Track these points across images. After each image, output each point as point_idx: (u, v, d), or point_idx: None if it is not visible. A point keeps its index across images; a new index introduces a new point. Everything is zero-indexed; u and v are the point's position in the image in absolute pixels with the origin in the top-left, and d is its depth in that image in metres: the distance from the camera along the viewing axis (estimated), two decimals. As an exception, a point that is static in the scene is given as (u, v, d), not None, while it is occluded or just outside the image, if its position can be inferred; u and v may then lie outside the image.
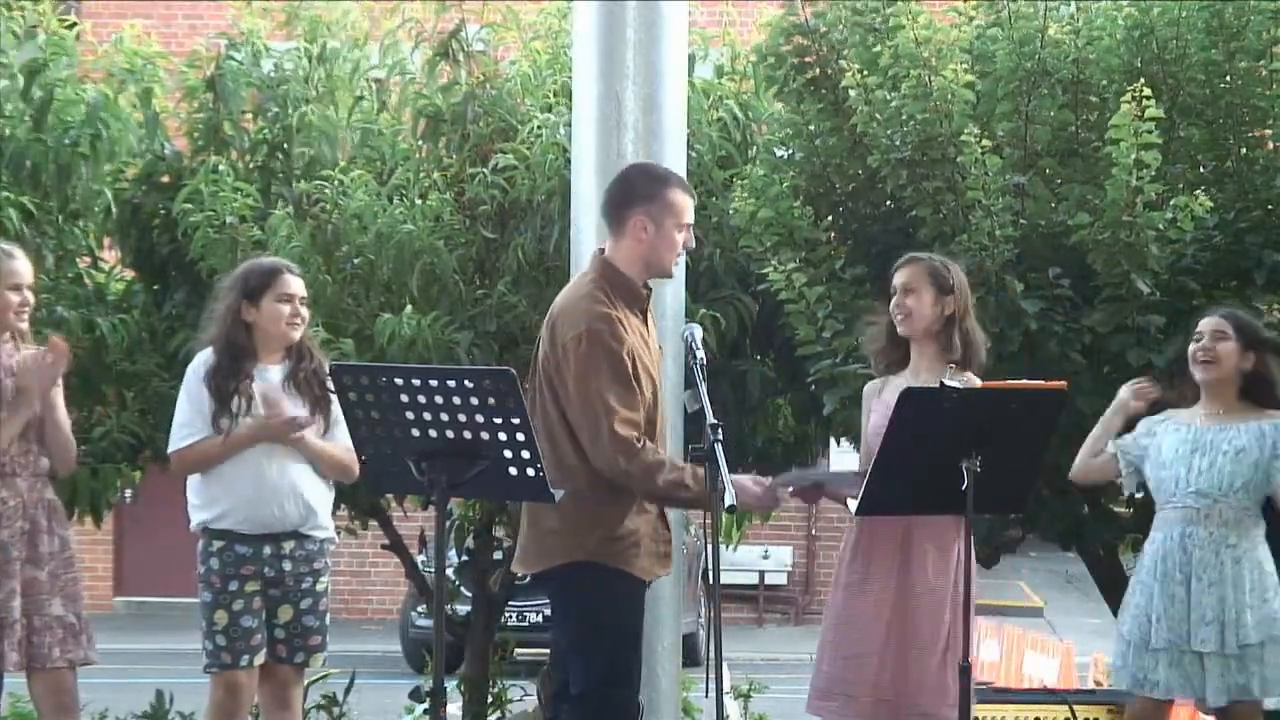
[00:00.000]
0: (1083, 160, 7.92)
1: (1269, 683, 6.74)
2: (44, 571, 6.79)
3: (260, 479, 6.73)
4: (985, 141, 7.58)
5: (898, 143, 7.87)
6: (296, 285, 6.88)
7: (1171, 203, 7.49)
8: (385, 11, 9.14)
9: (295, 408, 6.77)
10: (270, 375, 6.82)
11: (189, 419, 6.80)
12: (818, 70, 8.25)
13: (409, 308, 8.05)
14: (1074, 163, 7.94)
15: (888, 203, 8.18)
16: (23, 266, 6.85)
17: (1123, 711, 7.24)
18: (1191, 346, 6.91)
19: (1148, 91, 7.37)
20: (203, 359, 6.85)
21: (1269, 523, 6.86)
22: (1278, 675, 6.74)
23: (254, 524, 6.75)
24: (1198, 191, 7.50)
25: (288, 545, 6.79)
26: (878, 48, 8.01)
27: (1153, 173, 7.42)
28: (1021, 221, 7.76)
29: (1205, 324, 6.90)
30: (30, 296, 6.88)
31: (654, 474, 5.87)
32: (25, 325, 6.87)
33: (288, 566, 6.78)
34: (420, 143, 8.71)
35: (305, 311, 6.90)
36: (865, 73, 7.88)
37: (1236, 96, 7.81)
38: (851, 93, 7.91)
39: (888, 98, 7.86)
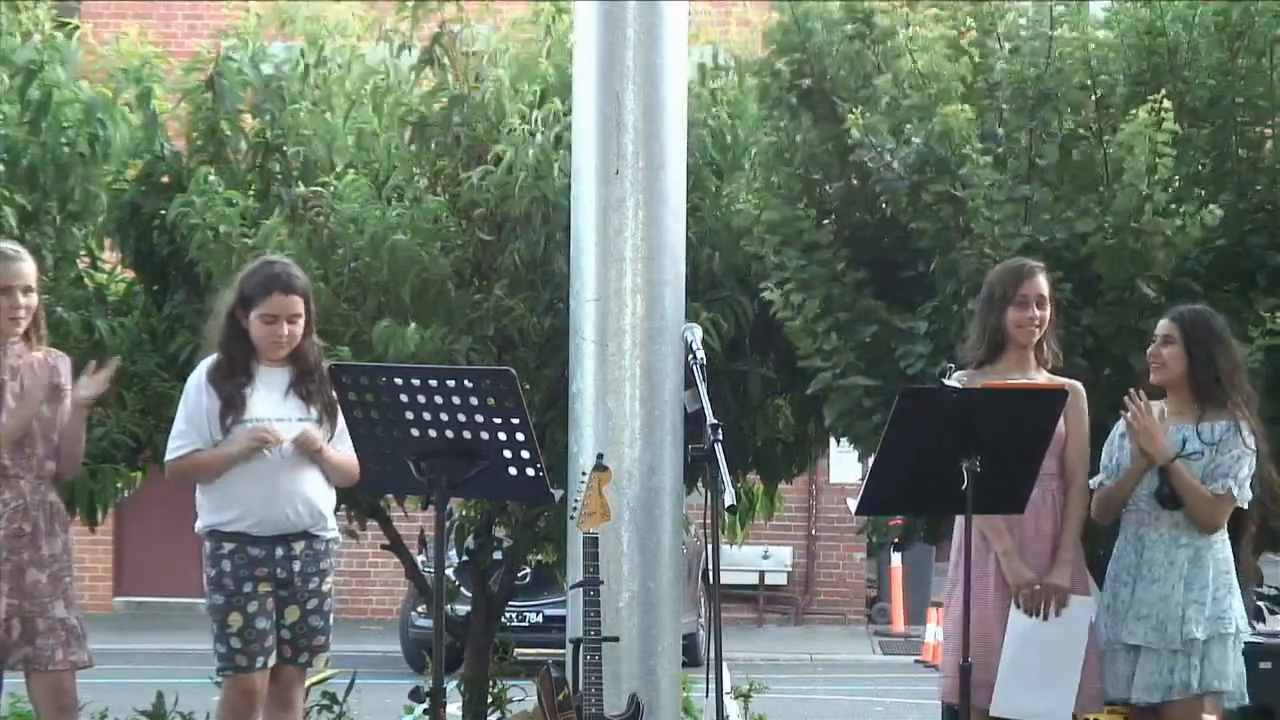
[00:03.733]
0: (1086, 164, 7.84)
1: (1211, 677, 6.73)
2: (46, 574, 6.80)
3: (273, 481, 6.73)
4: (987, 157, 7.53)
5: (898, 169, 7.77)
6: (285, 304, 6.73)
7: (1181, 210, 7.43)
8: (364, 15, 9.08)
9: (290, 409, 6.77)
10: (274, 377, 6.81)
11: (183, 430, 6.81)
12: (809, 82, 8.15)
13: (413, 325, 7.98)
14: (1084, 173, 7.85)
15: (884, 208, 8.13)
16: (25, 269, 6.80)
17: (1123, 711, 7.24)
18: (1148, 349, 6.93)
19: (1168, 105, 7.28)
20: (204, 366, 6.85)
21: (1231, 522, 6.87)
22: (1222, 671, 6.74)
23: (266, 526, 6.75)
24: (1212, 206, 7.41)
25: (297, 546, 6.78)
26: (877, 80, 7.91)
27: (1163, 183, 7.37)
28: (1025, 228, 7.68)
29: (1159, 327, 6.91)
30: (23, 299, 6.75)
31: None
32: (21, 329, 6.80)
33: (297, 567, 6.78)
34: (411, 147, 8.68)
35: (297, 328, 6.75)
36: (869, 114, 7.73)
37: (1239, 95, 7.77)
38: (854, 132, 7.71)
39: (889, 143, 7.71)
